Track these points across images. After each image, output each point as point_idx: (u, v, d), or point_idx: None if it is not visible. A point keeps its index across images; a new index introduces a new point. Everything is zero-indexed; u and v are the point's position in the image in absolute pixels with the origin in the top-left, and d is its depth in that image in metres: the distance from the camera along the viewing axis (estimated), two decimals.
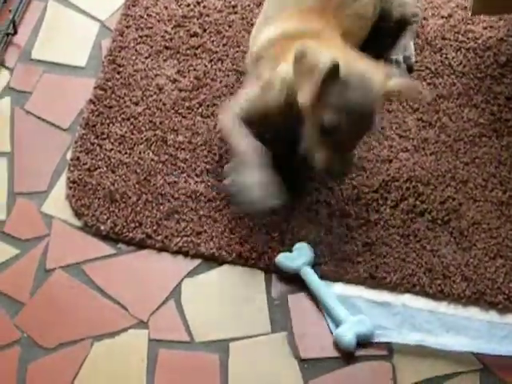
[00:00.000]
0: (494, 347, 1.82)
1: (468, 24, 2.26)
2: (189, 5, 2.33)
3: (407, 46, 2.22)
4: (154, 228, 1.98)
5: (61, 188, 2.05)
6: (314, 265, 1.92)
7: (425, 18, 2.27)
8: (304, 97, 1.79)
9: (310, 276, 1.89)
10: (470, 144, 2.09)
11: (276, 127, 2.00)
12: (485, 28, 2.25)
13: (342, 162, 1.86)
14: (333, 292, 1.89)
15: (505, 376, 1.79)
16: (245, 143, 1.93)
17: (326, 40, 1.91)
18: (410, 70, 2.21)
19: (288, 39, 1.94)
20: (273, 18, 2.04)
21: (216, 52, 2.25)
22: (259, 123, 1.98)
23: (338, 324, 1.84)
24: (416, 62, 2.21)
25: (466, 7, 2.29)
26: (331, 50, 1.83)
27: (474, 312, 1.88)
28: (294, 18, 1.99)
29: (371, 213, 2.00)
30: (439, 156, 2.07)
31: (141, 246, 1.97)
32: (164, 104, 2.16)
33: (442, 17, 2.28)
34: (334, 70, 1.76)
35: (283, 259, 1.91)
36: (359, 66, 1.82)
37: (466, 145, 2.09)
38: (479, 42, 2.23)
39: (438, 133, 2.10)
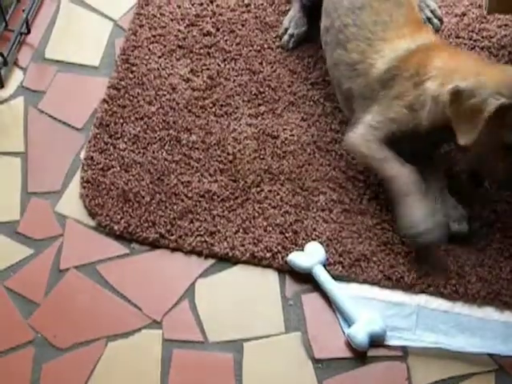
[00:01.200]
0: (509, 348, 1.81)
1: (482, 22, 2.25)
2: (202, 4, 2.33)
3: (427, 1, 2.25)
4: (168, 228, 1.98)
5: (74, 188, 2.05)
6: (328, 264, 1.92)
7: (441, 19, 2.25)
8: (466, 138, 1.80)
9: (322, 275, 1.88)
10: None
11: (423, 143, 1.97)
12: (499, 26, 2.24)
13: None
14: (345, 291, 1.88)
15: None
16: (396, 168, 1.92)
17: (448, 49, 1.98)
18: (441, 21, 2.25)
19: (424, 51, 1.94)
20: (386, 30, 2.00)
21: (229, 51, 2.25)
22: (407, 142, 1.95)
23: (350, 324, 1.83)
24: None
25: (480, 5, 2.28)
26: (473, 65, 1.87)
27: (489, 312, 1.87)
28: (412, 28, 1.99)
29: (386, 212, 1.99)
30: (453, 155, 2.06)
31: (154, 245, 1.97)
32: (177, 103, 2.16)
33: (456, 15, 2.27)
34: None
35: (295, 258, 1.91)
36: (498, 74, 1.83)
37: None
38: (493, 40, 2.22)
39: None
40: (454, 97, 1.81)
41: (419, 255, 1.92)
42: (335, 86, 2.11)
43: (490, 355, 1.81)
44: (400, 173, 1.92)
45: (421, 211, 1.88)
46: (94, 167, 2.07)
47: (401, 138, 1.95)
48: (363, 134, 1.97)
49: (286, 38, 2.25)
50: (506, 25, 2.24)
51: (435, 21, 2.23)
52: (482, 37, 2.23)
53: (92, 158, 2.08)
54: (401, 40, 1.97)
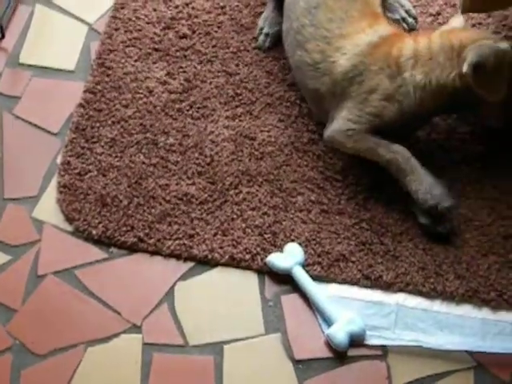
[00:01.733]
0: (487, 344, 1.82)
1: None
2: (177, 6, 2.33)
3: (401, 1, 2.27)
4: (146, 231, 1.97)
5: (51, 193, 2.05)
6: (307, 265, 1.92)
7: (415, 18, 2.26)
8: (499, 94, 1.90)
9: (301, 276, 1.89)
10: (460, 142, 2.09)
11: (407, 126, 2.02)
12: (473, 25, 2.25)
13: None
14: (324, 292, 1.89)
15: (499, 373, 1.79)
16: (389, 151, 1.95)
17: (409, 36, 2.03)
18: (415, 20, 2.27)
19: (387, 42, 1.98)
20: (343, 27, 2.02)
21: (205, 53, 2.24)
22: (391, 129, 1.98)
23: (329, 324, 1.84)
24: None
25: (454, 4, 2.29)
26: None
27: (467, 310, 1.88)
28: (369, 21, 2.02)
29: (364, 212, 2.00)
30: (430, 154, 2.07)
31: (133, 249, 1.96)
32: (154, 106, 2.16)
33: (431, 14, 2.27)
34: None
35: (273, 259, 1.91)
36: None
37: (457, 143, 2.09)
38: None
39: (429, 131, 2.10)
40: (475, 71, 1.88)
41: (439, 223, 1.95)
42: (301, 88, 2.12)
43: (469, 352, 1.82)
44: (395, 154, 1.95)
45: (431, 180, 1.93)
46: (70, 172, 2.06)
47: (387, 128, 1.97)
48: (342, 129, 1.98)
49: (261, 37, 2.25)
50: (479, 23, 2.25)
51: (410, 20, 2.24)
52: None
53: (69, 162, 2.07)
54: (360, 34, 2.00)
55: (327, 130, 2.02)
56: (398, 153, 1.95)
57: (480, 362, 1.81)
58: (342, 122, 1.98)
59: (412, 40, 1.98)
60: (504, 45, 1.93)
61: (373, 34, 1.99)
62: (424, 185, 1.92)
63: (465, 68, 1.89)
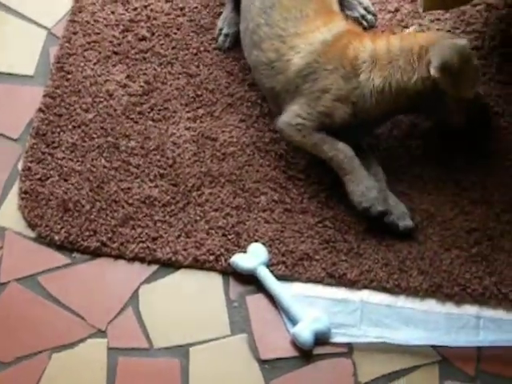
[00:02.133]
0: (452, 338, 1.83)
1: (415, 18, 2.26)
2: (136, 9, 2.31)
3: None
4: (109, 235, 1.96)
5: (13, 199, 2.03)
6: (271, 264, 1.92)
7: (375, 15, 2.27)
8: (470, 91, 1.95)
9: (265, 276, 1.89)
10: (422, 138, 2.10)
11: (363, 126, 2.01)
12: (432, 21, 2.26)
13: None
14: (288, 291, 1.89)
15: (463, 366, 1.81)
16: (332, 148, 1.96)
17: (364, 35, 2.04)
18: (375, 17, 2.28)
19: (342, 41, 1.98)
20: (298, 26, 2.02)
21: (165, 55, 2.24)
22: (345, 128, 1.98)
23: (295, 323, 1.84)
24: None
25: (412, 1, 2.30)
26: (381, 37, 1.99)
27: (431, 305, 1.89)
28: (324, 19, 2.03)
29: (327, 210, 2.00)
30: (392, 151, 2.08)
31: (96, 254, 1.96)
32: (115, 110, 2.15)
33: (389, 11, 2.28)
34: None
35: (237, 260, 1.91)
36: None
37: (418, 139, 2.10)
38: None
39: (391, 128, 2.11)
40: (442, 72, 1.89)
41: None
42: (260, 88, 2.12)
43: (434, 347, 1.83)
44: (337, 152, 1.96)
45: (368, 183, 1.93)
46: (32, 178, 2.04)
47: (340, 128, 1.97)
48: (292, 123, 1.99)
49: (221, 38, 2.25)
50: (438, 19, 2.26)
51: (369, 17, 2.25)
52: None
53: (30, 168, 2.06)
54: (315, 33, 2.00)
55: (278, 120, 2.03)
56: (341, 151, 1.95)
57: (445, 357, 1.82)
58: (291, 116, 1.99)
59: (370, 41, 1.98)
60: (462, 41, 1.95)
61: (327, 33, 1.99)
62: (360, 187, 1.93)
63: (432, 72, 1.90)
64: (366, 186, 1.94)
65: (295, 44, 2.00)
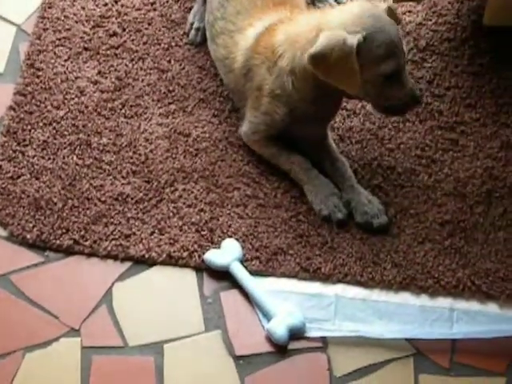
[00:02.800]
0: (426, 331, 1.84)
1: None
2: (106, 4, 2.30)
3: None
4: (82, 233, 1.95)
5: None
6: (245, 260, 1.92)
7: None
8: (353, 88, 1.82)
9: (239, 272, 1.88)
10: (395, 130, 2.10)
11: (313, 123, 1.98)
12: (403, 13, 2.26)
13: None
14: (262, 286, 1.89)
15: (437, 359, 1.81)
16: (288, 160, 1.97)
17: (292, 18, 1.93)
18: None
19: (269, 32, 1.91)
20: (247, 19, 1.98)
21: (136, 51, 2.23)
22: (295, 127, 1.97)
23: (269, 318, 1.84)
24: None
25: None
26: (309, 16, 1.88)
27: (405, 297, 1.89)
28: (266, 12, 1.97)
29: (301, 204, 2.00)
30: (365, 144, 2.08)
31: (69, 252, 1.94)
32: (86, 106, 2.14)
33: None
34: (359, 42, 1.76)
35: (211, 256, 1.91)
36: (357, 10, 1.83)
37: (391, 131, 2.10)
38: (398, 27, 2.23)
39: (363, 121, 2.11)
40: (314, 62, 1.79)
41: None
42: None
43: (408, 340, 1.83)
44: (293, 165, 1.96)
45: (325, 192, 1.94)
46: (2, 176, 2.03)
47: (288, 128, 1.96)
48: (248, 132, 2.00)
49: (192, 32, 2.23)
50: (409, 11, 2.26)
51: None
52: None
53: (1, 166, 2.04)
54: (251, 27, 1.96)
55: (240, 129, 2.03)
56: (296, 163, 1.96)
57: (419, 349, 1.82)
58: (246, 125, 1.99)
59: (287, 24, 1.89)
60: (352, 40, 1.78)
61: (260, 26, 1.94)
62: (319, 195, 1.94)
63: (304, 58, 1.82)
64: (324, 195, 1.94)
65: (238, 40, 1.97)
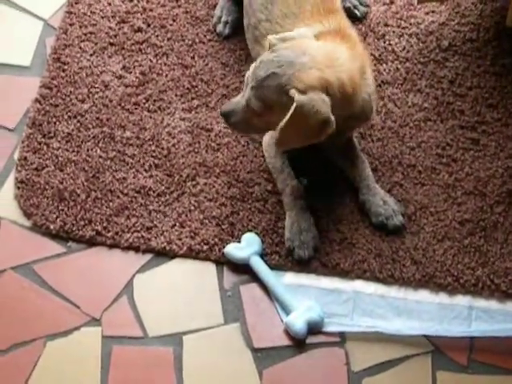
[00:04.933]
0: (444, 329, 1.84)
1: (410, 10, 2.27)
2: (132, 0, 2.32)
3: None
4: (104, 225, 1.98)
5: (9, 188, 2.04)
6: (265, 254, 1.93)
7: (368, 6, 2.28)
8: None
9: (259, 265, 1.90)
10: (416, 129, 2.11)
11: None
12: (427, 13, 2.27)
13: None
14: (281, 280, 1.90)
15: (455, 356, 1.82)
16: (284, 182, 1.97)
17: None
18: (368, 7, 2.27)
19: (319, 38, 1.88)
20: (296, 23, 1.94)
21: (161, 46, 2.25)
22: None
23: (288, 312, 1.85)
24: None
25: None
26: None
27: (424, 295, 1.90)
28: (316, 19, 1.94)
29: (320, 200, 2.01)
30: (386, 142, 2.09)
31: (91, 243, 1.97)
32: (110, 100, 2.16)
33: (384, 3, 2.29)
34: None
35: (231, 249, 1.92)
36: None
37: (412, 130, 2.10)
38: (421, 27, 2.25)
39: (384, 119, 2.12)
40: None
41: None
42: None
43: (426, 337, 1.84)
44: (287, 187, 1.97)
45: (301, 226, 1.93)
46: (27, 167, 2.06)
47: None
48: (267, 138, 2.01)
49: (220, 25, 2.25)
50: (433, 11, 2.27)
51: (361, 8, 2.25)
52: (410, 24, 2.25)
53: (26, 158, 2.07)
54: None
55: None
56: (289, 187, 1.96)
57: (437, 347, 1.83)
58: (268, 134, 2.00)
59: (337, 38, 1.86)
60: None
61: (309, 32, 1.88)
62: (294, 226, 1.93)
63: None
64: (299, 228, 1.93)
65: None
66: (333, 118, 1.74)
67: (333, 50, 1.81)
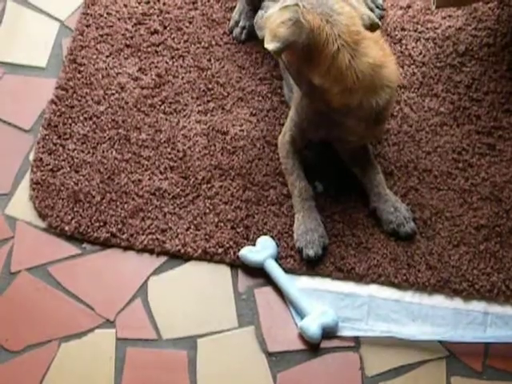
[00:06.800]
0: (459, 334, 1.84)
1: (427, 14, 2.27)
2: (148, 2, 2.33)
3: None
4: (119, 227, 1.98)
5: (24, 190, 2.05)
6: (280, 258, 1.93)
7: (384, 9, 2.28)
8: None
9: (274, 269, 1.90)
10: (432, 133, 2.10)
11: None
12: (443, 18, 2.26)
13: None
14: (296, 284, 1.90)
15: (470, 362, 1.81)
16: (295, 183, 1.98)
17: None
18: (383, 10, 2.27)
19: None
20: None
21: (177, 49, 2.25)
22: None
23: (302, 316, 1.85)
24: None
25: None
26: None
27: (439, 300, 1.90)
28: None
29: (336, 204, 2.01)
30: (401, 146, 2.08)
31: (106, 245, 1.97)
32: (126, 102, 2.16)
33: (401, 8, 2.28)
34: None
35: (246, 252, 1.92)
36: None
37: (428, 134, 2.10)
38: (438, 31, 2.24)
39: (400, 123, 2.11)
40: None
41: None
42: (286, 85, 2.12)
43: (441, 342, 1.83)
44: (295, 188, 1.97)
45: (309, 226, 1.93)
46: (43, 168, 2.06)
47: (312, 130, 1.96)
48: (282, 135, 2.02)
49: (237, 30, 2.25)
50: (449, 16, 2.26)
51: (377, 11, 2.24)
52: (427, 28, 2.25)
53: (41, 159, 2.07)
54: None
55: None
56: (298, 189, 1.97)
57: (452, 352, 1.83)
58: (282, 133, 2.01)
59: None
60: None
61: None
62: (302, 227, 1.94)
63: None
64: (307, 228, 1.93)
65: None
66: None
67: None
